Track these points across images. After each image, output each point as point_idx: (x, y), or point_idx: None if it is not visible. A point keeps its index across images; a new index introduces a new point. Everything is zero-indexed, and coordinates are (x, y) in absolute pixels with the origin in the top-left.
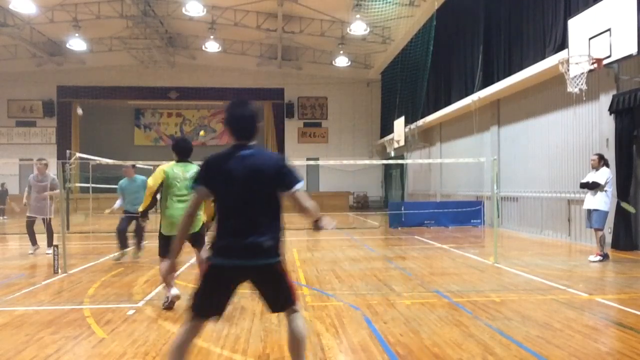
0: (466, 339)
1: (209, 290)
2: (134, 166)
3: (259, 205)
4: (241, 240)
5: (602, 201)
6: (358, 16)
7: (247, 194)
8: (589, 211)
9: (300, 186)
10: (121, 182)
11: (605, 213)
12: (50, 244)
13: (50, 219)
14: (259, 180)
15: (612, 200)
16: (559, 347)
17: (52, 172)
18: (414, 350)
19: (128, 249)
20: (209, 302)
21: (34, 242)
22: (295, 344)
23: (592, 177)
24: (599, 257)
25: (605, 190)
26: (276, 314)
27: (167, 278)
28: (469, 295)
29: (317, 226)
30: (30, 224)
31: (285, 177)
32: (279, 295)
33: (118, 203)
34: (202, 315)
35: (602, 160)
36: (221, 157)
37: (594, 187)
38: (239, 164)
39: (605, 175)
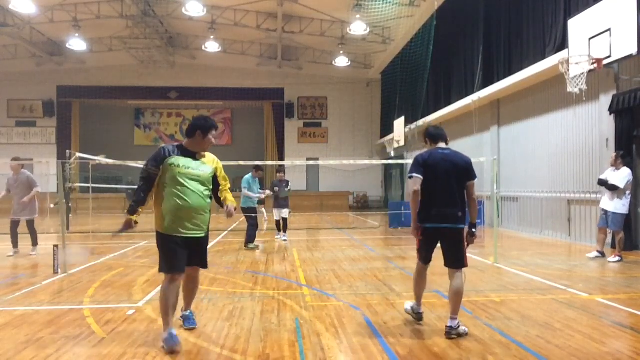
0: (466, 339)
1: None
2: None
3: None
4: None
5: (620, 203)
6: (358, 16)
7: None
8: (606, 211)
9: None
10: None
11: (623, 215)
12: (34, 243)
13: (33, 219)
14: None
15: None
16: (559, 347)
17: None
18: (414, 350)
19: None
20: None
21: (15, 244)
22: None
23: (611, 175)
24: (617, 258)
25: (625, 193)
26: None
27: None
28: (469, 295)
29: None
30: (14, 225)
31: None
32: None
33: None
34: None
35: (619, 159)
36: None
37: (612, 189)
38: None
39: (625, 178)
